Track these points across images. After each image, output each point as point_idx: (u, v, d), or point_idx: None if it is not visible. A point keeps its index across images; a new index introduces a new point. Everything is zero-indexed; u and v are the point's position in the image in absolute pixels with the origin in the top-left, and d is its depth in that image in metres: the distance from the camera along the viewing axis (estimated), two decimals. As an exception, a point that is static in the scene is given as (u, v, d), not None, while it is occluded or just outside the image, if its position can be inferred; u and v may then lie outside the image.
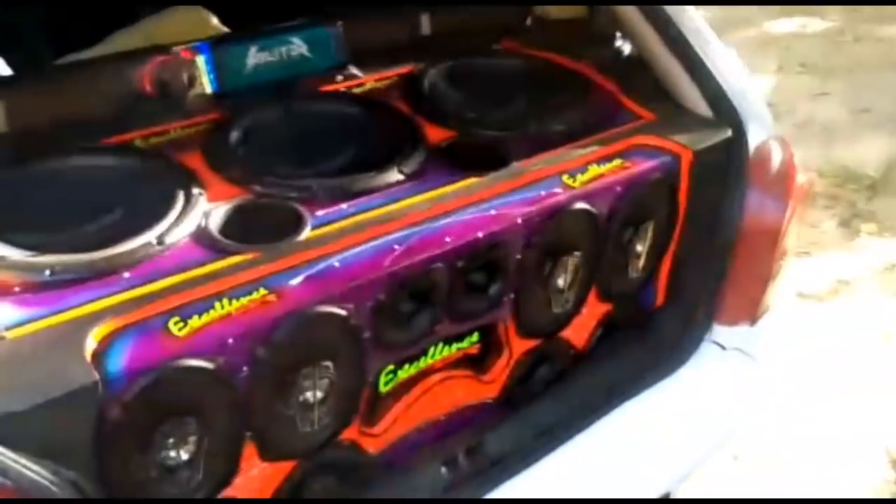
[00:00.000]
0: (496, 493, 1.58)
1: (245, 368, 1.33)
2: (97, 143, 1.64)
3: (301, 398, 1.42)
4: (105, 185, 1.55)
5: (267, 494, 1.49)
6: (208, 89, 1.77)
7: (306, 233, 1.48)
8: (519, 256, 1.63)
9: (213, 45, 1.78)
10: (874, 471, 2.56)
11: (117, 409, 1.20)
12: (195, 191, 1.53)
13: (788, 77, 5.46)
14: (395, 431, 1.65)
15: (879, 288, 3.42)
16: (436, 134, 1.81)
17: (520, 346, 1.78)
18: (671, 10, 1.90)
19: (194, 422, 1.30)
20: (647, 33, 1.92)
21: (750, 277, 1.90)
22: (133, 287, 1.33)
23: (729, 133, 1.86)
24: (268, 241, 1.45)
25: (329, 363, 1.42)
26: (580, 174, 1.71)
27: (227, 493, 1.42)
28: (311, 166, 1.69)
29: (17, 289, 1.29)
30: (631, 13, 1.93)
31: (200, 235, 1.45)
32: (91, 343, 1.21)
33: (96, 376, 1.16)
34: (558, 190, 1.67)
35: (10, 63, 2.10)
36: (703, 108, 1.91)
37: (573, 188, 1.68)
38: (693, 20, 1.90)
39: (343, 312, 1.40)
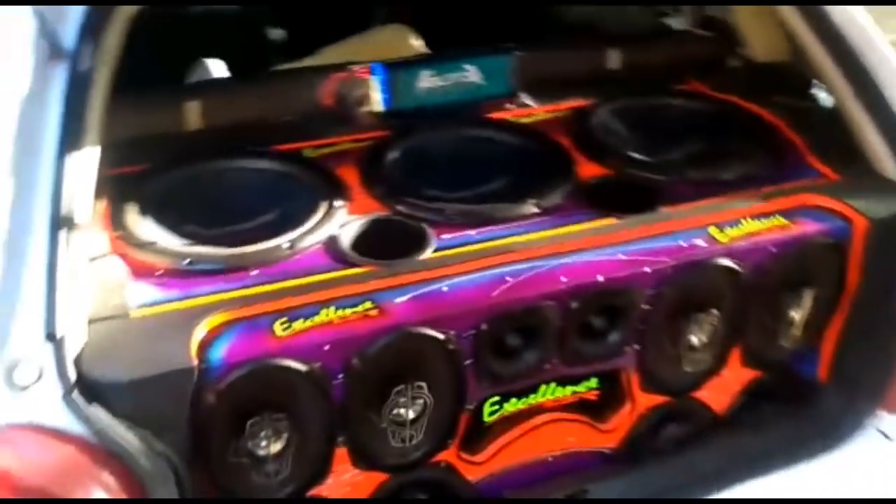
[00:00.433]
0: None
1: (340, 376, 1.40)
2: (268, 149, 1.78)
3: (393, 413, 1.46)
4: (262, 188, 1.69)
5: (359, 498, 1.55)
6: (379, 108, 1.87)
7: (427, 254, 1.53)
8: (646, 307, 1.56)
9: (388, 66, 1.87)
10: None
11: (212, 396, 1.31)
12: (338, 203, 1.62)
13: None
14: (498, 463, 1.64)
15: None
16: (590, 170, 1.78)
17: (645, 400, 1.70)
18: (870, 58, 1.72)
19: (285, 418, 1.39)
20: (839, 82, 1.76)
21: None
22: (256, 284, 1.44)
23: None
24: (391, 257, 1.51)
25: (423, 384, 1.45)
26: (730, 228, 1.61)
27: (318, 491, 1.50)
28: (454, 190, 1.73)
29: (159, 272, 1.45)
30: (822, 57, 1.77)
31: (330, 244, 1.54)
32: (202, 331, 1.33)
33: (194, 363, 1.28)
34: (700, 242, 1.58)
35: (232, 68, 2.36)
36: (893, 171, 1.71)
37: (718, 242, 1.58)
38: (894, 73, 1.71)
39: (440, 336, 1.42)
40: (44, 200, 1.29)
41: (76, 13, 1.40)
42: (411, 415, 1.47)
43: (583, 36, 2.63)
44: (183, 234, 1.55)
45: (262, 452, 1.40)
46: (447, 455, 1.58)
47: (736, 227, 1.61)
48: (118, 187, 1.62)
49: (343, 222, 1.59)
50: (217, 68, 2.34)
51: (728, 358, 1.71)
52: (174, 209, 1.61)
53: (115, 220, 1.54)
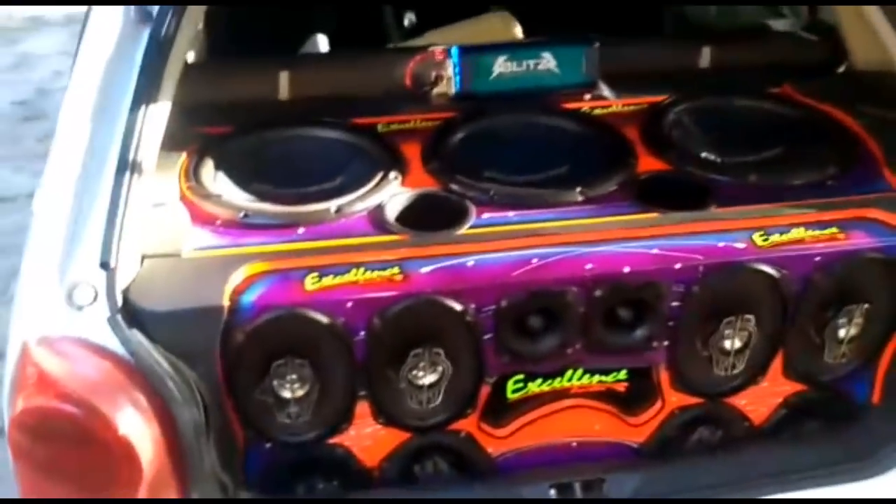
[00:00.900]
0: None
1: (362, 333, 1.49)
2: (342, 121, 1.89)
3: (411, 374, 1.54)
4: (328, 157, 1.80)
5: (380, 454, 1.64)
6: (452, 90, 1.94)
7: (463, 230, 1.59)
8: (676, 303, 1.56)
9: (465, 50, 1.94)
10: None
11: (241, 335, 1.45)
12: (392, 175, 1.71)
13: None
14: (520, 441, 1.68)
15: None
16: (650, 164, 1.78)
17: (676, 399, 1.70)
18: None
19: (308, 365, 1.50)
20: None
21: None
22: (299, 241, 1.56)
23: None
24: (430, 230, 1.59)
25: (440, 350, 1.52)
26: (778, 234, 1.58)
27: (340, 440, 1.61)
28: (510, 174, 1.77)
29: (218, 221, 1.60)
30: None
31: (375, 212, 1.63)
32: (239, 276, 1.47)
33: (225, 302, 1.41)
34: (739, 245, 1.56)
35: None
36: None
37: (758, 247, 1.56)
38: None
39: (458, 307, 1.49)
40: (114, 146, 1.45)
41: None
42: (429, 379, 1.55)
43: (681, 33, 2.59)
44: (248, 191, 1.69)
45: (286, 394, 1.52)
46: (468, 425, 1.65)
47: (785, 234, 1.58)
48: (203, 145, 1.78)
49: (394, 193, 1.68)
50: (324, 44, 2.49)
51: (768, 367, 1.67)
52: (246, 169, 1.75)
53: (192, 173, 1.70)
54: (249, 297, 1.45)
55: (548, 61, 1.95)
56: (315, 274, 1.48)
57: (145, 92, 1.48)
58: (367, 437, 1.62)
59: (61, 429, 1.35)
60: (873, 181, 1.73)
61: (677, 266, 1.53)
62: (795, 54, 2.17)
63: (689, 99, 1.96)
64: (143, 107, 1.47)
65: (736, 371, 1.65)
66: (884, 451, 1.67)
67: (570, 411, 1.69)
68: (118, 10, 1.56)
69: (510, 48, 1.96)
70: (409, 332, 1.51)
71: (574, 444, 1.71)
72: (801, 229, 1.58)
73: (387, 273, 1.49)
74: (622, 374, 1.67)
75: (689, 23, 2.79)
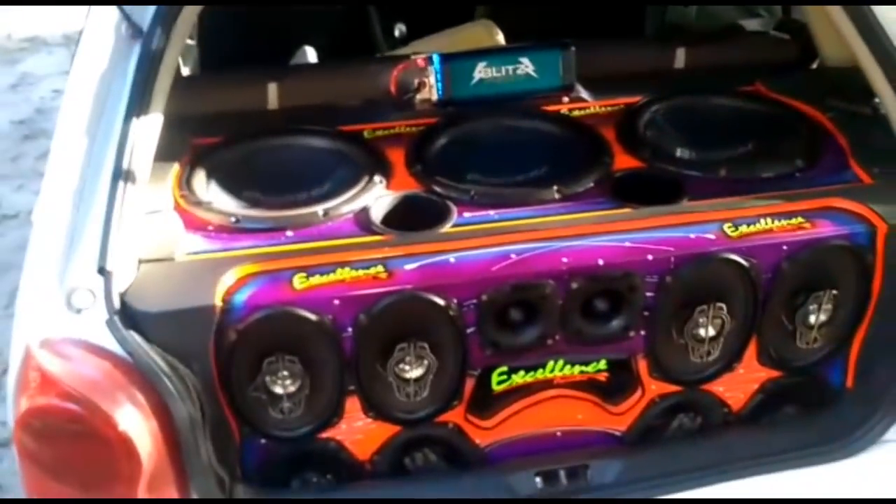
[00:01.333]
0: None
1: (349, 329, 1.56)
2: (329, 129, 1.96)
3: (397, 368, 1.60)
4: (316, 163, 1.87)
5: (371, 447, 1.71)
6: (434, 96, 2.02)
7: (445, 228, 1.66)
8: (650, 294, 1.63)
9: (445, 57, 2.01)
10: None
11: (234, 333, 1.51)
12: (377, 178, 1.78)
13: None
14: (506, 431, 1.75)
15: None
16: (625, 162, 1.85)
17: (656, 387, 1.76)
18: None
19: (299, 362, 1.57)
20: (884, 88, 1.74)
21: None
22: (288, 243, 1.64)
23: None
24: (414, 230, 1.66)
25: (425, 344, 1.59)
26: (746, 225, 1.64)
27: (332, 434, 1.67)
28: (491, 175, 1.84)
29: (210, 227, 1.67)
30: (868, 63, 1.75)
31: (361, 214, 1.70)
32: (231, 277, 1.54)
33: (216, 303, 1.48)
34: (710, 236, 1.63)
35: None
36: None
37: (728, 237, 1.62)
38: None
39: (441, 302, 1.56)
40: (109, 157, 1.53)
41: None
42: (415, 373, 1.61)
43: (658, 36, 2.66)
44: (239, 197, 1.77)
45: (277, 390, 1.58)
46: (455, 417, 1.71)
47: (752, 225, 1.64)
48: (195, 154, 1.85)
49: (379, 196, 1.75)
50: (312, 55, 2.57)
51: (742, 354, 1.74)
52: (236, 177, 1.82)
53: (185, 182, 1.77)
54: (241, 298, 1.52)
55: (526, 66, 2.02)
56: (303, 274, 1.55)
57: (138, 104, 1.55)
58: (358, 431, 1.68)
59: (64, 426, 1.42)
60: (840, 172, 1.80)
61: (650, 258, 1.60)
62: (767, 53, 2.24)
63: (663, 99, 2.03)
64: (136, 119, 1.54)
65: (711, 358, 1.71)
66: (857, 433, 1.73)
67: (554, 401, 1.75)
68: (110, 27, 1.63)
69: (489, 54, 2.03)
70: (395, 328, 1.58)
71: (558, 433, 1.77)
72: (769, 220, 1.65)
73: (372, 271, 1.56)
74: (602, 364, 1.73)
75: (669, 24, 2.87)
